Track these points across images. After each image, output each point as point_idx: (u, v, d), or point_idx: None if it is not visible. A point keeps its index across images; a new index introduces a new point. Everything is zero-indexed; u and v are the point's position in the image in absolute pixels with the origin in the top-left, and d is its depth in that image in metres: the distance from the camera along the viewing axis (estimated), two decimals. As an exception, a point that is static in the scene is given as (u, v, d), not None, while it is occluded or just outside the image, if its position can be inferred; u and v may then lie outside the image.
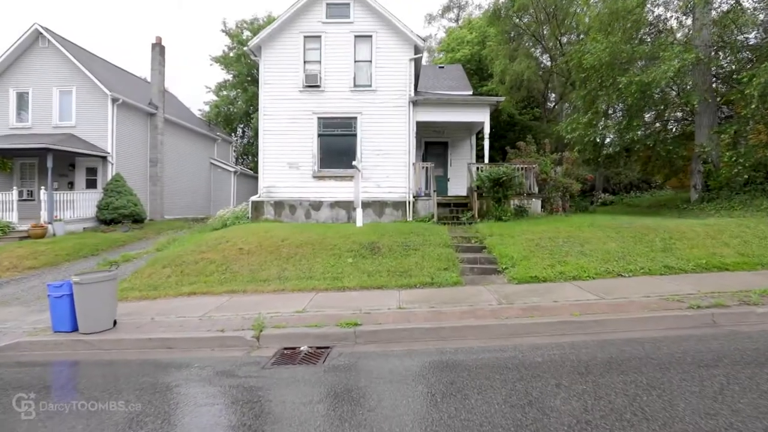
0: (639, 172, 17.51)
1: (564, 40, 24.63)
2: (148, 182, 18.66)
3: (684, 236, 9.20)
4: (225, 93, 31.57)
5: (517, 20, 23.23)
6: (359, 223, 10.99)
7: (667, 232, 9.40)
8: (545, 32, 25.05)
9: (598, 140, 13.93)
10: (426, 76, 19.48)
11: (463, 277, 7.85)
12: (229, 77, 30.70)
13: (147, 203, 18.50)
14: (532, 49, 27.05)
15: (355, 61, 13.59)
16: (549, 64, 28.12)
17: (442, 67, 21.39)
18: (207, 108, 30.90)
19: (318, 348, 4.96)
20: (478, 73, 26.40)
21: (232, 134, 31.39)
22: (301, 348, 4.95)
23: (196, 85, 57.17)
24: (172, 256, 9.72)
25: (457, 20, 36.81)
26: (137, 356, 5.04)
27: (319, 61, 13.57)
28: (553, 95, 30.57)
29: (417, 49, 13.51)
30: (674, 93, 13.91)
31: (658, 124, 14.31)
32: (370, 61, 13.54)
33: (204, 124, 26.25)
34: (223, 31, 29.77)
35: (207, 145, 24.79)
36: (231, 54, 30.30)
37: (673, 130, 14.32)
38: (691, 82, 12.73)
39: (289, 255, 9.10)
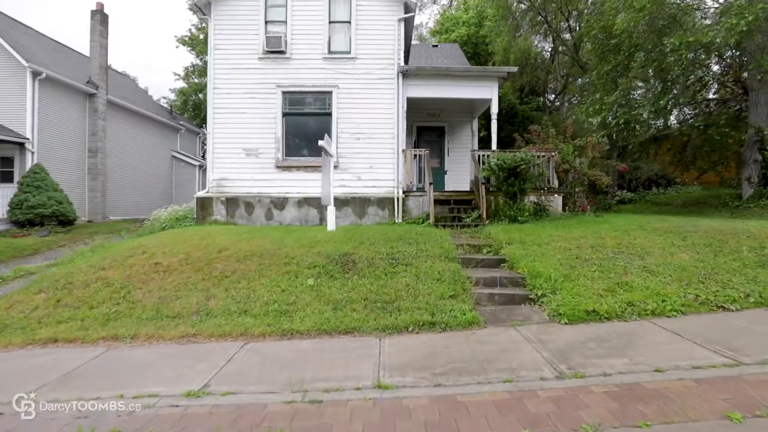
0: (673, 164, 15.03)
1: (571, 23, 22.15)
2: (87, 176, 15.58)
3: (779, 244, 6.62)
4: (195, 80, 28.43)
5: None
6: (331, 225, 8.22)
7: (753, 239, 6.82)
8: (549, 15, 22.48)
9: (630, 123, 11.41)
10: (418, 55, 16.79)
11: (480, 310, 5.13)
12: (198, 62, 27.57)
13: (85, 201, 15.44)
14: (533, 37, 24.54)
15: (330, 22, 10.79)
16: (550, 53, 25.69)
17: (436, 46, 18.71)
18: (174, 96, 27.71)
19: None
20: (475, 57, 23.77)
21: (203, 125, 28.25)
22: None
23: (171, 74, 53.60)
24: (61, 274, 6.81)
25: (450, 6, 34.19)
26: None
27: (285, 22, 10.74)
28: (551, 87, 28.18)
29: (408, 8, 10.76)
30: (714, 66, 11.46)
31: (708, 103, 11.82)
32: (349, 22, 10.76)
33: (165, 112, 23.13)
34: (189, 8, 26.57)
35: (168, 135, 21.70)
36: (201, 36, 27.18)
37: (717, 110, 11.82)
38: (743, 48, 10.20)
39: (224, 273, 6.28)
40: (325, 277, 6.02)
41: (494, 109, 10.72)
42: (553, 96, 28.77)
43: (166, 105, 26.26)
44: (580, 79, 26.87)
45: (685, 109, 11.47)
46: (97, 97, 15.56)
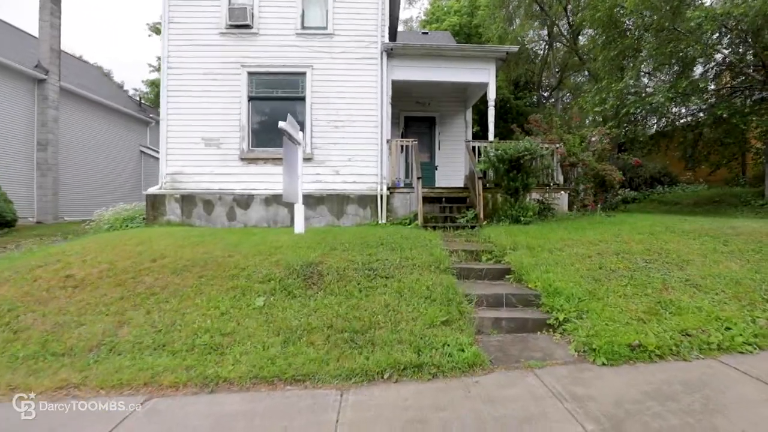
0: (684, 159, 13.90)
1: (569, 13, 21.07)
2: (35, 172, 13.91)
3: (842, 251, 5.43)
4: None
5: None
6: (299, 227, 6.82)
7: (809, 244, 5.62)
8: (546, 6, 21.38)
9: (641, 112, 10.24)
10: (405, 41, 15.44)
11: (483, 343, 3.81)
12: (174, 52, 25.86)
13: (33, 199, 13.77)
14: (529, 31, 23.48)
15: (304, -7, 9.40)
16: (545, 45, 24.65)
17: (426, 33, 17.43)
18: (146, 88, 25.95)
19: None
20: (466, 49, 22.51)
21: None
22: None
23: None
24: (-56, 290, 5.30)
25: (440, -2, 32.98)
26: None
27: (251, -8, 9.32)
28: (545, 83, 27.17)
29: (393, -22, 9.42)
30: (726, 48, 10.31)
31: (721, 90, 10.69)
32: (326, -6, 9.38)
33: (134, 104, 21.44)
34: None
35: (136, 129, 20.03)
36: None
37: (736, 98, 10.67)
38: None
39: (152, 290, 4.84)
40: (281, 295, 4.63)
41: (491, 95, 9.44)
42: (547, 93, 27.77)
43: (136, 97, 24.50)
44: (573, 77, 26.01)
45: (695, 99, 10.28)
46: (47, 84, 13.90)
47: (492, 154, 7.91)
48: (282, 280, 4.90)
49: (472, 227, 7.43)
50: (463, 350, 3.54)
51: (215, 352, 3.70)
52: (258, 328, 4.04)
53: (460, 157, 11.09)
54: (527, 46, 22.96)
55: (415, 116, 11.85)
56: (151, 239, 6.70)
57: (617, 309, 4.15)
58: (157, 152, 19.95)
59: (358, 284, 4.79)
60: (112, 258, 5.75)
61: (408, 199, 8.90)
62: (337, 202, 8.97)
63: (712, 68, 10.60)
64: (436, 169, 11.73)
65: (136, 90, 26.61)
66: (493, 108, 9.52)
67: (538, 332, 4.06)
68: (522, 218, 7.63)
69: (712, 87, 11.31)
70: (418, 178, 8.06)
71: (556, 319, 4.09)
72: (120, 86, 27.04)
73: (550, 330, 4.06)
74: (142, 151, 20.01)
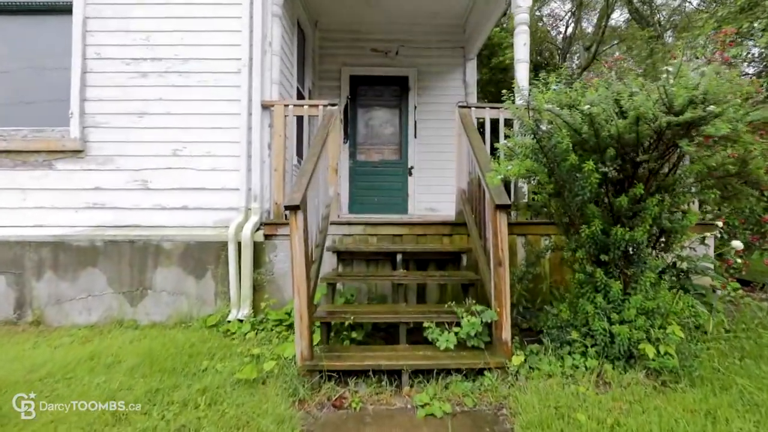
0: None
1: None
2: None
3: None
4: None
5: None
6: None
7: None
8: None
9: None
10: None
11: None
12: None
13: None
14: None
15: None
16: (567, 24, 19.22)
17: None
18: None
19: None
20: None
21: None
22: None
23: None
24: None
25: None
26: None
27: None
28: (568, 65, 21.68)
29: None
30: None
31: None
32: None
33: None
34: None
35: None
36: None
37: None
38: None
39: None
40: None
41: (522, 5, 4.01)
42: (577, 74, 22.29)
43: None
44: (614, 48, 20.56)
45: None
46: None
47: (561, 121, 2.44)
48: None
49: (479, 372, 2.01)
50: None
51: None
52: None
53: (452, 155, 5.65)
54: (544, 20, 17.71)
55: (372, 76, 6.37)
56: None
57: None
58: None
59: None
60: None
61: (315, 251, 3.46)
62: (133, 259, 3.56)
63: None
64: (410, 174, 6.24)
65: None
66: (527, 34, 4.09)
67: None
68: (644, 351, 2.17)
69: None
70: (290, 207, 2.62)
71: None
72: None
73: None
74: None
